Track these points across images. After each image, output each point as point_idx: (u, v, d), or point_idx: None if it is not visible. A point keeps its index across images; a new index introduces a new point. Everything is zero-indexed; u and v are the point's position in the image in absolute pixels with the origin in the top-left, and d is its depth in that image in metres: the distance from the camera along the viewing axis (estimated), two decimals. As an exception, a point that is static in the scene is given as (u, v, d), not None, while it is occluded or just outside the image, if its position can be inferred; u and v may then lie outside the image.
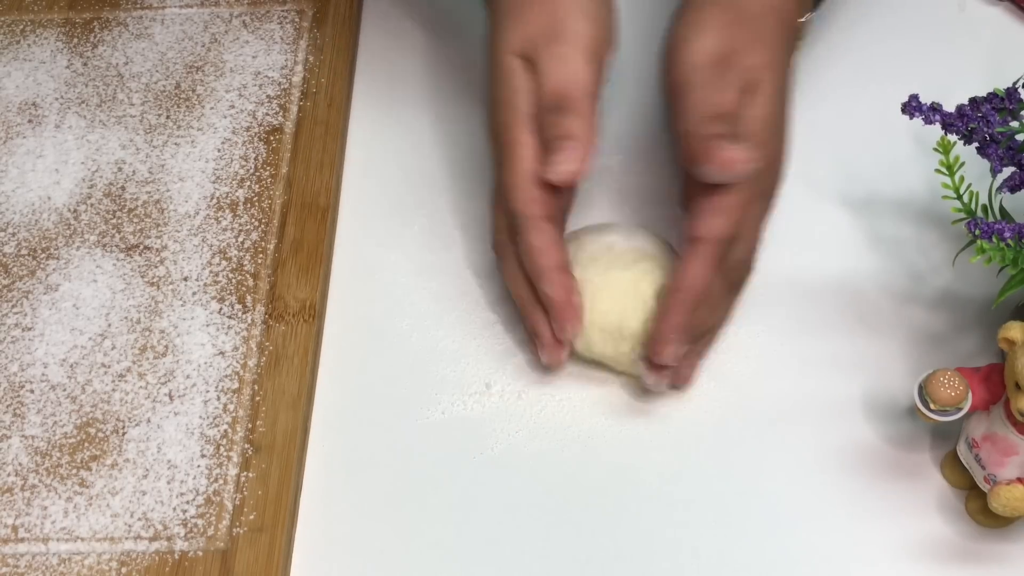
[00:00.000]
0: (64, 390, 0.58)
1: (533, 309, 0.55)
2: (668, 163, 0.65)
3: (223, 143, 0.66)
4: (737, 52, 0.53)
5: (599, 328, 0.55)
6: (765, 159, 0.53)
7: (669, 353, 0.53)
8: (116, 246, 0.62)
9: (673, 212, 0.61)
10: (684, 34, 0.54)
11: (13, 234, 0.63)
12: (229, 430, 0.56)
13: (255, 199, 0.64)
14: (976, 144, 0.52)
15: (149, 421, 0.56)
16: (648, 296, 0.55)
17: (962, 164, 0.52)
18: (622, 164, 0.65)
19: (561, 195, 0.54)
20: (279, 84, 0.69)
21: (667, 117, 0.56)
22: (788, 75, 0.56)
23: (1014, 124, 0.52)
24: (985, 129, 0.52)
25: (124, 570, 0.52)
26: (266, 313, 0.60)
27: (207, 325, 0.59)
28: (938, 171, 0.52)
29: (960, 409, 0.49)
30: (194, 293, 0.61)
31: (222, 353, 0.58)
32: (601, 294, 0.55)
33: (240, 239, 0.62)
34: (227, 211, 0.64)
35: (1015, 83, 0.52)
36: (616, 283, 0.55)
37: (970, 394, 0.49)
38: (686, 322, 0.53)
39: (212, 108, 0.68)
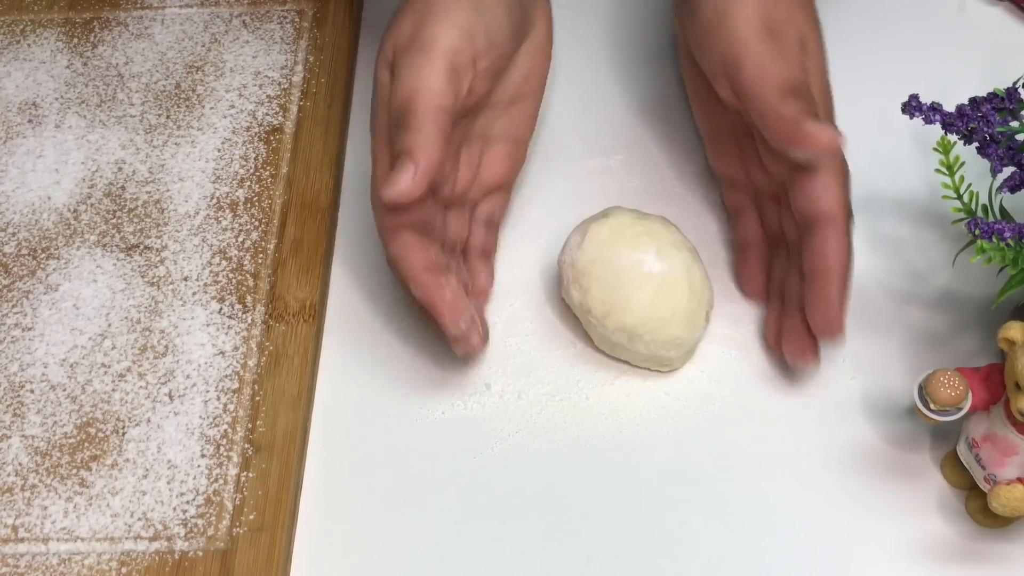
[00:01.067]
0: (64, 390, 0.58)
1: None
2: (675, 154, 0.65)
3: (223, 143, 0.66)
4: (780, 14, 0.53)
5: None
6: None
7: (843, 331, 0.53)
8: (116, 246, 0.62)
9: (675, 211, 0.61)
10: (720, 7, 0.53)
11: (13, 234, 0.63)
12: (229, 430, 0.56)
13: (255, 199, 0.64)
14: (976, 144, 0.52)
15: (149, 421, 0.56)
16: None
17: (962, 164, 0.52)
18: (622, 164, 0.65)
19: (423, 206, 0.53)
20: (279, 84, 0.69)
21: (700, 91, 0.57)
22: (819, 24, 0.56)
23: (1014, 124, 0.52)
24: (985, 129, 0.52)
25: (124, 570, 0.52)
26: (266, 313, 0.60)
27: (207, 325, 0.59)
28: (938, 171, 0.52)
29: (960, 409, 0.49)
30: (194, 293, 0.61)
31: (222, 353, 0.58)
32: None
33: (240, 239, 0.62)
34: (227, 211, 0.64)
35: (1015, 83, 0.52)
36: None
37: (970, 394, 0.49)
38: (846, 300, 0.53)
39: (212, 108, 0.68)
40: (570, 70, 0.69)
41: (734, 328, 0.59)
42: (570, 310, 0.58)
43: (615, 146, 0.66)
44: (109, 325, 0.60)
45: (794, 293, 0.55)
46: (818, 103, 0.53)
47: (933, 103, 0.53)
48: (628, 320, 0.55)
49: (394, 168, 0.50)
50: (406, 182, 0.50)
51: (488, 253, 0.60)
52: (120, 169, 0.66)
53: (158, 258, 0.62)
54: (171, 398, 0.57)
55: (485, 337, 0.56)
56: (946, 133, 0.52)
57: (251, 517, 0.53)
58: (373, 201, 0.53)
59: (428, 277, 0.53)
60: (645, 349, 0.55)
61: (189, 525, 0.53)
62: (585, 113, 0.67)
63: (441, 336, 0.55)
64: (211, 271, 0.61)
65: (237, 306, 0.60)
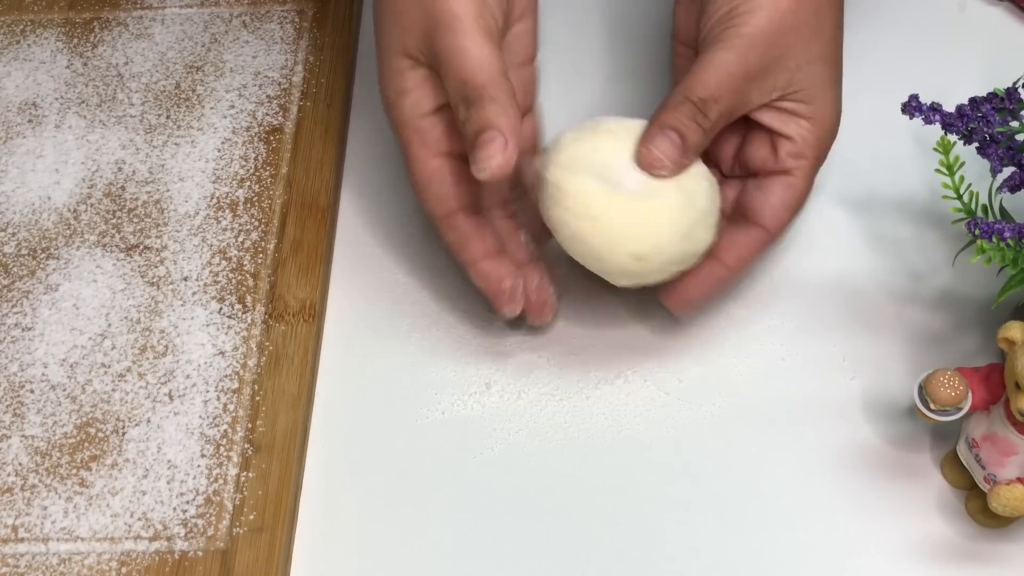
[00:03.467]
0: (64, 390, 0.58)
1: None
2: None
3: (223, 143, 0.66)
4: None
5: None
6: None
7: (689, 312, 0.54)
8: (116, 246, 0.62)
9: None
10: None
11: (13, 234, 0.63)
12: (229, 430, 0.56)
13: (255, 199, 0.64)
14: (976, 144, 0.52)
15: (149, 421, 0.56)
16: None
17: (962, 164, 0.52)
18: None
19: (476, 184, 0.53)
20: (279, 84, 0.69)
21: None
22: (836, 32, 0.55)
23: (1014, 124, 0.52)
24: (985, 129, 0.52)
25: (124, 570, 0.52)
26: (266, 313, 0.60)
27: (207, 325, 0.59)
28: (938, 171, 0.52)
29: (960, 409, 0.49)
30: (194, 293, 0.61)
31: (222, 353, 0.58)
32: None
33: (240, 239, 0.62)
34: (227, 211, 0.64)
35: (1015, 83, 0.52)
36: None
37: (970, 394, 0.49)
38: (715, 292, 0.54)
39: (212, 108, 0.68)
40: (569, 70, 0.69)
41: (734, 328, 0.59)
42: (568, 308, 0.59)
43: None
44: (109, 325, 0.60)
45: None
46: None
47: (933, 103, 0.53)
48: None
49: (479, 146, 0.49)
50: (500, 154, 0.49)
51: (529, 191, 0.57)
52: (120, 169, 0.66)
53: (158, 258, 0.62)
54: (171, 398, 0.57)
55: (550, 305, 0.56)
56: (946, 133, 0.52)
57: (251, 517, 0.53)
58: (420, 195, 0.53)
59: (487, 267, 0.54)
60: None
61: (189, 525, 0.53)
62: (585, 112, 0.67)
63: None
64: (211, 271, 0.61)
65: (237, 306, 0.60)
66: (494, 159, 0.49)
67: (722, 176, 0.57)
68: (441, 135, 0.53)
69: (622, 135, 0.52)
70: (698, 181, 0.52)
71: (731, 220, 0.55)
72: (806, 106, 0.53)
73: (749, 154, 0.55)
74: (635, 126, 0.53)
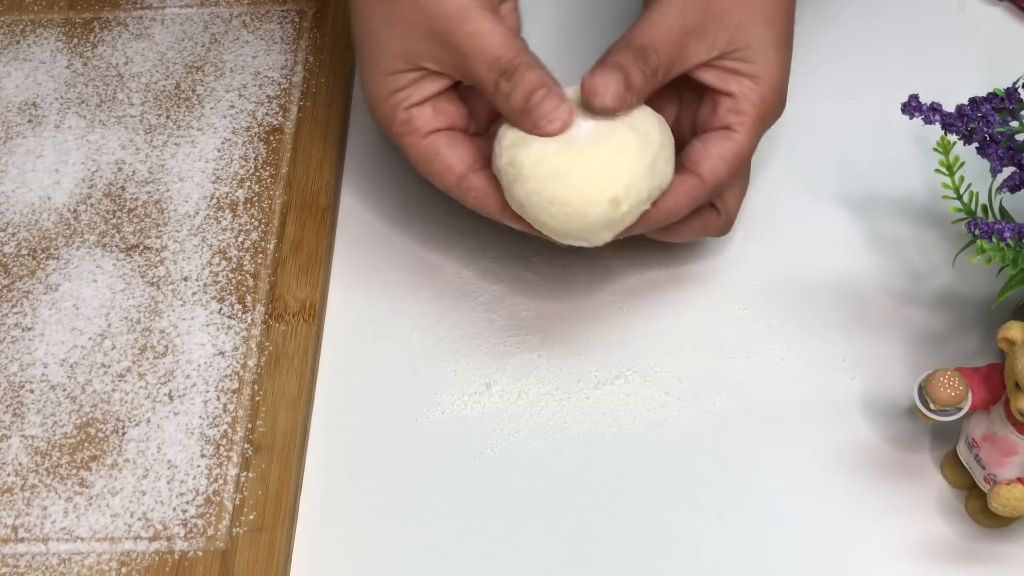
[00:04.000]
0: (64, 390, 0.58)
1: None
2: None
3: (223, 143, 0.66)
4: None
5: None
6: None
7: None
8: (116, 246, 0.62)
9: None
10: None
11: (13, 234, 0.63)
12: (229, 430, 0.56)
13: (255, 199, 0.64)
14: (976, 144, 0.52)
15: (149, 421, 0.56)
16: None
17: (962, 164, 0.52)
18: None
19: (473, 145, 0.55)
20: (279, 84, 0.69)
21: None
22: None
23: (1014, 124, 0.52)
24: (985, 129, 0.52)
25: (124, 570, 0.52)
26: (266, 313, 0.60)
27: (207, 325, 0.59)
28: (938, 171, 0.52)
29: (960, 409, 0.49)
30: (194, 293, 0.61)
31: (222, 353, 0.58)
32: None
33: (240, 239, 0.62)
34: (227, 211, 0.64)
35: (1015, 83, 0.52)
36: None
37: (970, 394, 0.49)
38: (651, 229, 0.55)
39: (212, 108, 0.68)
40: (568, 70, 0.69)
41: (734, 328, 0.59)
42: (568, 307, 0.59)
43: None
44: (109, 325, 0.60)
45: None
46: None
47: (933, 103, 0.53)
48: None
49: (535, 107, 0.51)
50: (557, 106, 0.52)
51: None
52: (120, 169, 0.66)
53: (158, 258, 0.62)
54: (171, 398, 0.57)
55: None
56: (946, 133, 0.52)
57: (251, 517, 0.53)
58: (427, 171, 0.55)
59: (508, 216, 0.54)
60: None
61: (189, 525, 0.53)
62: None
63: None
64: (211, 271, 0.61)
65: (237, 306, 0.60)
66: (558, 117, 0.52)
67: None
68: (428, 118, 0.55)
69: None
70: (647, 118, 0.53)
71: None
72: (747, 64, 0.54)
73: (695, 117, 0.56)
74: (571, 90, 0.54)
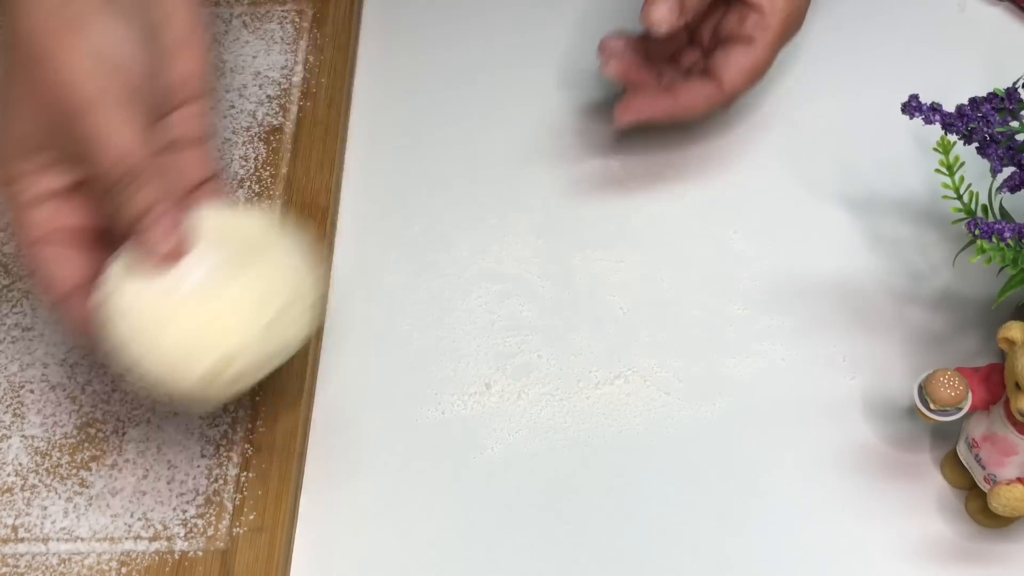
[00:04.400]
0: (64, 390, 0.58)
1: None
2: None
3: (223, 143, 0.66)
4: None
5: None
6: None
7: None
8: (116, 246, 0.62)
9: (674, 210, 0.61)
10: None
11: (14, 234, 0.63)
12: (229, 430, 0.56)
13: (255, 199, 0.64)
14: (976, 144, 0.52)
15: (149, 421, 0.56)
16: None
17: (962, 164, 0.52)
18: (622, 164, 0.65)
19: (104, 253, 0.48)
20: (279, 84, 0.69)
21: None
22: None
23: (1014, 124, 0.52)
24: (985, 129, 0.52)
25: (124, 570, 0.52)
26: (266, 313, 0.60)
27: (207, 325, 0.59)
28: (938, 171, 0.52)
29: (960, 409, 0.49)
30: (194, 293, 0.60)
31: (222, 353, 0.58)
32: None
33: (240, 239, 0.62)
34: (227, 211, 0.63)
35: (1015, 83, 0.52)
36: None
37: (970, 394, 0.49)
38: (654, 117, 0.61)
39: (212, 108, 0.68)
40: (569, 70, 0.69)
41: (734, 328, 0.59)
42: (568, 307, 0.59)
43: (615, 146, 0.66)
44: (109, 325, 0.60)
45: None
46: None
47: (933, 103, 0.53)
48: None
49: (147, 228, 0.46)
50: (170, 240, 0.46)
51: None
52: (120, 169, 0.65)
53: (158, 258, 0.62)
54: (171, 398, 0.57)
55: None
56: (946, 133, 0.52)
57: (251, 517, 0.53)
58: (39, 286, 0.49)
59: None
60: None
61: (189, 525, 0.53)
62: (584, 113, 0.67)
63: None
64: (211, 271, 0.61)
65: (237, 306, 0.60)
66: (171, 236, 0.46)
67: (701, 54, 0.63)
68: (43, 219, 0.48)
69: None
70: (284, 261, 0.47)
71: (697, 76, 0.61)
72: None
73: (723, 26, 0.61)
74: (208, 213, 0.48)
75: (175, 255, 0.46)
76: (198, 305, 0.44)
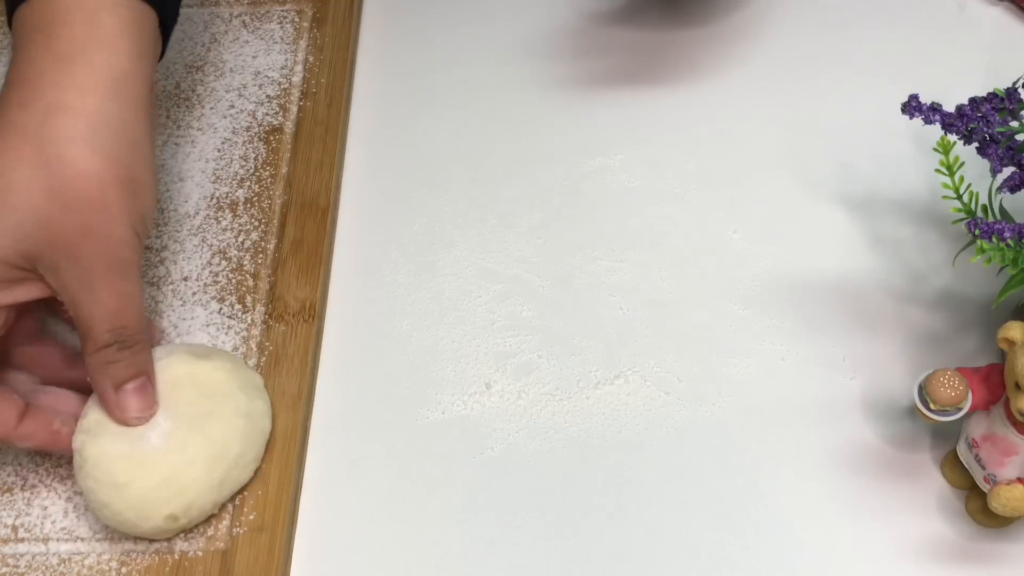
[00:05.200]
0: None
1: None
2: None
3: (223, 143, 0.66)
4: None
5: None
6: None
7: None
8: (116, 246, 0.62)
9: (675, 211, 0.61)
10: None
11: None
12: (229, 430, 0.56)
13: (255, 199, 0.64)
14: (976, 144, 0.52)
15: (149, 421, 0.56)
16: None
17: (962, 164, 0.52)
18: (622, 164, 0.65)
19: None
20: (279, 84, 0.69)
21: None
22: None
23: (1014, 124, 0.52)
24: (985, 129, 0.52)
25: (124, 570, 0.52)
26: (266, 313, 0.60)
27: (207, 325, 0.59)
28: (938, 171, 0.52)
29: (960, 409, 0.49)
30: (194, 293, 0.61)
31: (222, 353, 0.58)
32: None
33: (240, 239, 0.62)
34: (227, 211, 0.64)
35: (1015, 83, 0.52)
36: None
37: (970, 394, 0.49)
38: None
39: (212, 108, 0.68)
40: (569, 71, 0.69)
41: (734, 328, 0.59)
42: (568, 306, 0.58)
43: (615, 146, 0.66)
44: (109, 325, 0.60)
45: None
46: None
47: (933, 103, 0.53)
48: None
49: (125, 399, 0.51)
50: (146, 412, 0.52)
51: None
52: (120, 169, 0.65)
53: (158, 258, 0.62)
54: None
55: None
56: (946, 133, 0.52)
57: (251, 517, 0.53)
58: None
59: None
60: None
61: (189, 525, 0.53)
62: (585, 113, 0.67)
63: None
64: (211, 271, 0.61)
65: (237, 306, 0.60)
66: (148, 408, 0.51)
67: None
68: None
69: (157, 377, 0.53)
70: (230, 423, 0.53)
71: None
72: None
73: None
74: (170, 361, 0.53)
75: (143, 423, 0.51)
76: (158, 463, 0.51)
